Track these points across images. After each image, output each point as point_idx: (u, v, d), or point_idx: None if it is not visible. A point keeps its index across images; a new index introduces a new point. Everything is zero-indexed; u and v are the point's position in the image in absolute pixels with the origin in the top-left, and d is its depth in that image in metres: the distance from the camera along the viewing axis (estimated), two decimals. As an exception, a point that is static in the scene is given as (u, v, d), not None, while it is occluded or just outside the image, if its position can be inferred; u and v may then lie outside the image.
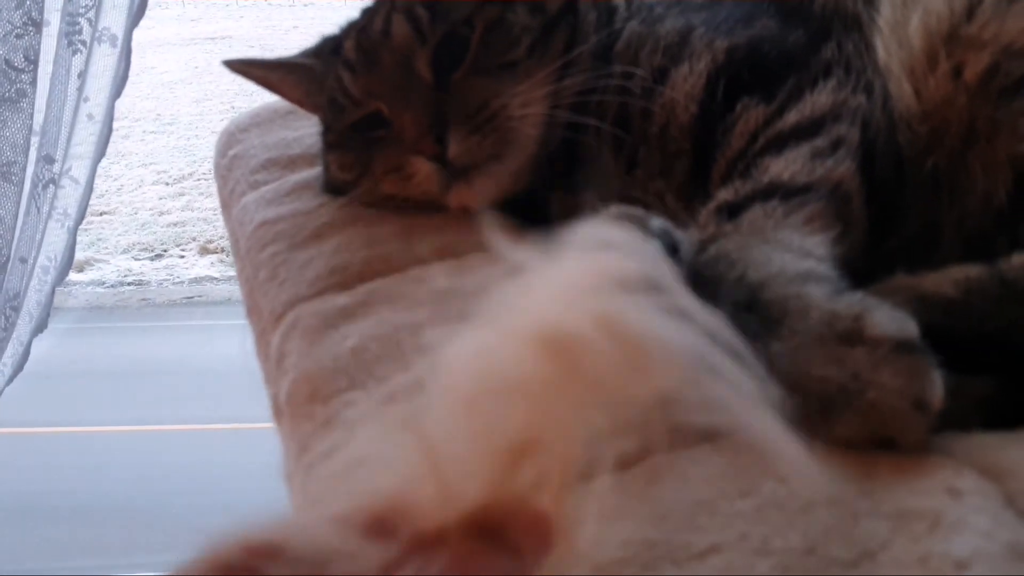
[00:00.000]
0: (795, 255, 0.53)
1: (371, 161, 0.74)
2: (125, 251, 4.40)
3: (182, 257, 4.33)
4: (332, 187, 0.78)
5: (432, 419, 0.30)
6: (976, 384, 0.49)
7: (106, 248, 4.39)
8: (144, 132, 5.20)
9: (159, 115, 5.42)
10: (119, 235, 4.48)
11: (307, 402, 0.56)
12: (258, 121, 0.97)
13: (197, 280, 4.12)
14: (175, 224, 4.56)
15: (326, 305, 0.64)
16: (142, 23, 1.49)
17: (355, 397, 0.54)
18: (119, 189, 4.77)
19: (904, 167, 0.60)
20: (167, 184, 4.86)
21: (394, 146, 0.72)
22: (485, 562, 0.28)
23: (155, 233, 4.49)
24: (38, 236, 1.48)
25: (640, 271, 0.31)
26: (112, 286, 4.08)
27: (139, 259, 4.31)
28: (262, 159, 0.88)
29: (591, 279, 0.31)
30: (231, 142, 0.95)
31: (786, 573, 0.37)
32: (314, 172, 0.83)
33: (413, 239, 0.69)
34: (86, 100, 1.42)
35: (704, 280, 0.53)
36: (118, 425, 2.75)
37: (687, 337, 0.30)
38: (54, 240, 1.50)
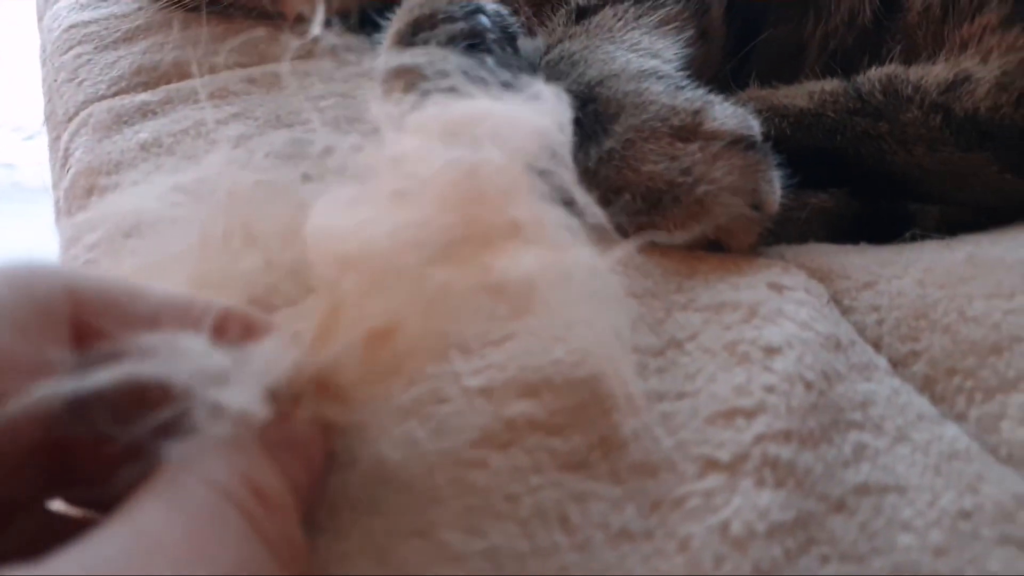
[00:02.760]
0: (640, 55, 0.48)
1: (195, -46, 0.64)
2: (-6, 129, 4.07)
3: (59, 139, 4.03)
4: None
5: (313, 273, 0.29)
6: (817, 196, 0.46)
7: (-28, 124, 4.04)
8: None
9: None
10: (-13, 111, 4.13)
11: (84, 196, 0.49)
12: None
13: (76, 165, 3.85)
14: (52, 103, 4.22)
15: (123, 102, 0.56)
16: None
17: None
18: (-12, 61, 4.37)
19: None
20: (43, 58, 4.48)
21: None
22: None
23: (29, 110, 4.15)
24: None
25: (555, 139, 0.30)
26: (-21, 167, 3.78)
27: (10, 139, 3.99)
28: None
29: (527, 145, 0.29)
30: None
31: (584, 357, 0.33)
32: (140, -22, 0.73)
33: (236, 42, 0.61)
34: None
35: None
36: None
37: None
38: None
